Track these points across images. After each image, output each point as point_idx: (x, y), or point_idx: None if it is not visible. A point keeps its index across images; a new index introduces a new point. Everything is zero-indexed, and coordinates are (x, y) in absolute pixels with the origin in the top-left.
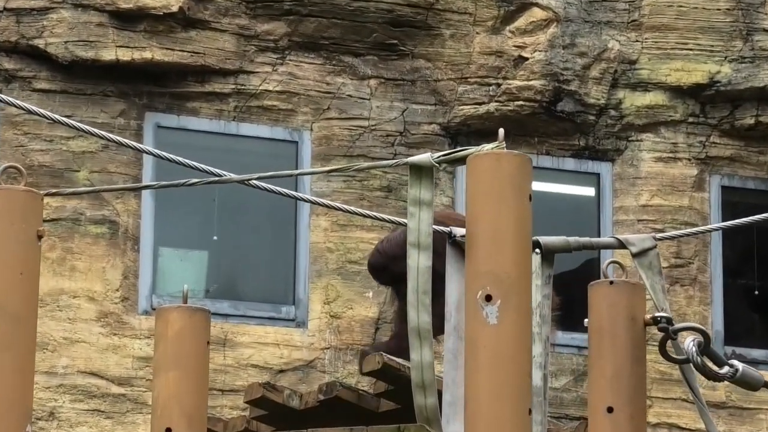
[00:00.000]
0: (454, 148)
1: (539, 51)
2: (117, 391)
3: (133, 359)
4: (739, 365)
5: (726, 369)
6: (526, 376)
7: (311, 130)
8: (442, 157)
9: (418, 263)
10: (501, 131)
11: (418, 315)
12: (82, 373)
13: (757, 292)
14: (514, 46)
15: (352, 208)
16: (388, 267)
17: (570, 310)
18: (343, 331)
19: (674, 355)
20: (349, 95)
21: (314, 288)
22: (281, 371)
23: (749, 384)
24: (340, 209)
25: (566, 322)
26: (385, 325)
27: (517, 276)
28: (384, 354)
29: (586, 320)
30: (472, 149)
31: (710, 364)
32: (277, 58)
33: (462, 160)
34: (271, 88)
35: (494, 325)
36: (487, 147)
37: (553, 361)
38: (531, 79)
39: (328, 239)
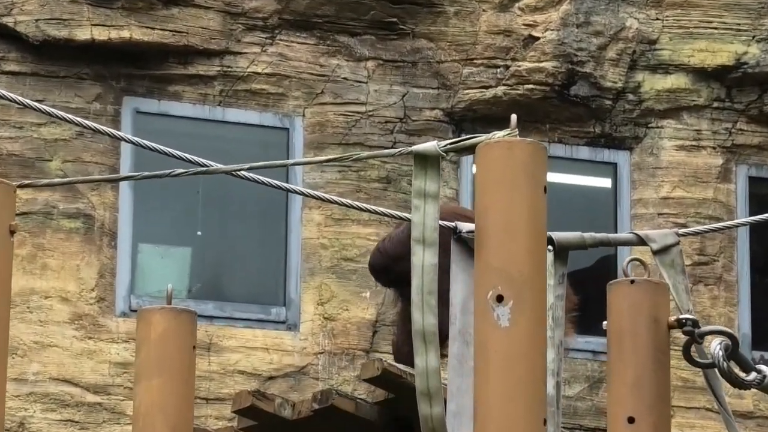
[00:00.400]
0: (459, 135)
1: (551, 30)
2: (92, 400)
3: (109, 365)
4: None
5: (753, 375)
6: (540, 383)
7: (303, 116)
8: (449, 146)
9: (423, 261)
10: (513, 117)
11: (423, 317)
12: (54, 380)
13: None
14: (524, 24)
15: (348, 200)
16: (390, 267)
17: (584, 311)
18: (338, 335)
19: (699, 359)
20: (344, 78)
21: (306, 288)
22: (271, 378)
23: None
24: (335, 202)
25: (580, 324)
26: (384, 327)
27: (531, 274)
28: (383, 359)
29: (604, 323)
30: (482, 137)
31: (737, 371)
32: (266, 38)
33: (471, 149)
34: (259, 71)
35: (506, 327)
36: (498, 134)
37: (566, 367)
38: (542, 61)
39: (322, 235)
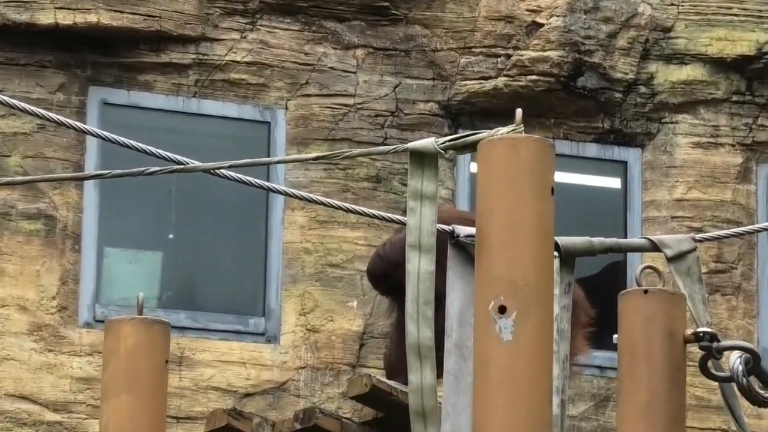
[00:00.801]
0: (455, 130)
1: (557, 16)
2: (52, 418)
3: (71, 380)
4: None
5: None
6: (545, 402)
7: (286, 108)
8: (448, 143)
9: (419, 268)
10: (518, 112)
11: (419, 329)
12: (10, 397)
13: None
14: (527, 9)
15: (335, 201)
16: (390, 274)
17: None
18: (322, 348)
19: (716, 372)
20: (331, 68)
21: (288, 296)
22: (248, 395)
23: None
24: (320, 203)
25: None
26: (372, 340)
27: (537, 283)
28: (372, 375)
29: (615, 336)
30: (484, 133)
31: (757, 388)
32: (246, 23)
33: (472, 146)
34: (239, 59)
35: (509, 341)
36: (502, 130)
37: (570, 384)
38: (547, 50)
39: (306, 238)
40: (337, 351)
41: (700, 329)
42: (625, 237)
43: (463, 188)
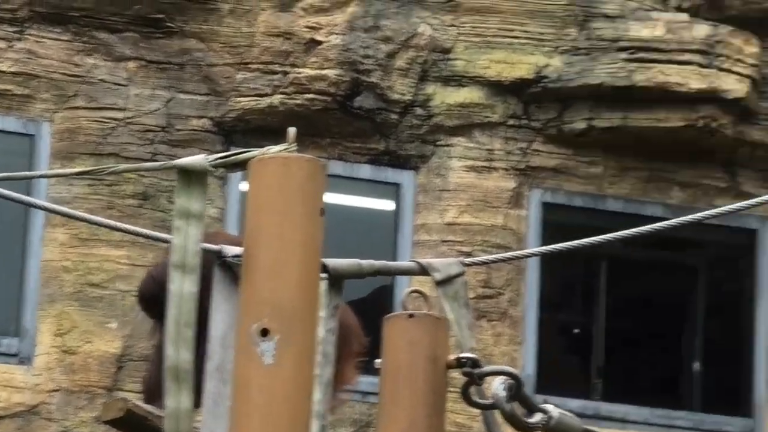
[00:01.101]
0: (228, 147)
1: (336, 34)
2: None
3: None
4: (555, 411)
5: (539, 417)
6: (304, 427)
7: (52, 121)
8: (218, 160)
9: (182, 289)
10: (291, 130)
11: (178, 352)
12: None
13: (577, 331)
14: (306, 26)
15: (98, 218)
16: (161, 296)
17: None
18: (78, 370)
19: (479, 400)
20: (101, 80)
21: (44, 316)
22: None
23: None
24: (83, 219)
25: None
26: (131, 363)
27: (302, 305)
28: (128, 399)
29: (377, 360)
30: (256, 151)
31: (520, 415)
32: (13, 32)
33: (242, 165)
34: (4, 69)
35: (270, 365)
36: (273, 149)
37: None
38: (324, 68)
39: (65, 256)
40: (93, 374)
41: (462, 354)
42: (395, 260)
43: (232, 207)
